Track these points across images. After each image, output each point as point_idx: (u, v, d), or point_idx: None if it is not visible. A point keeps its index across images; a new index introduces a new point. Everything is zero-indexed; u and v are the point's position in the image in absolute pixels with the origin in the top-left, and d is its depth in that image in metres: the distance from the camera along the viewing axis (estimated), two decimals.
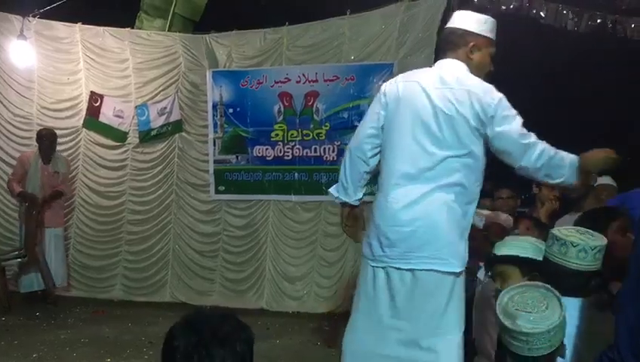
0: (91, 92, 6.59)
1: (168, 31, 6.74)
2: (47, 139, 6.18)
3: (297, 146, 6.08)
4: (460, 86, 2.61)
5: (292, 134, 6.09)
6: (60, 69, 6.67)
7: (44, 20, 6.61)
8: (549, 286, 2.05)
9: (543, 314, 1.94)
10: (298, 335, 5.24)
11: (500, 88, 2.60)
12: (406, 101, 2.67)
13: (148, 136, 6.54)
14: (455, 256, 2.57)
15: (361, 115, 4.84)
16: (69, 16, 6.59)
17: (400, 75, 2.86)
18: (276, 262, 6.21)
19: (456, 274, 2.58)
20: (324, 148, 6.01)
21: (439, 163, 2.58)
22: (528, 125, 2.58)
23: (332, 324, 5.20)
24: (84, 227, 6.68)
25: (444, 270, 2.55)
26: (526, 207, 5.03)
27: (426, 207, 2.57)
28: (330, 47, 6.03)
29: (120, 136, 6.62)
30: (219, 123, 6.29)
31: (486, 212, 3.82)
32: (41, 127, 6.41)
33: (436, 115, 2.59)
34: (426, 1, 5.67)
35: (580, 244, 2.23)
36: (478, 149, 2.61)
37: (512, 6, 4.89)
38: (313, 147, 6.03)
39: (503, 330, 1.98)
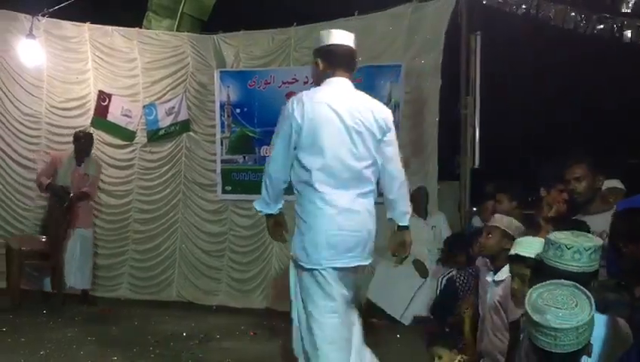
0: (99, 91, 6.61)
1: (176, 31, 6.78)
2: (85, 141, 6.20)
3: None
4: (363, 105, 3.05)
5: None
6: (68, 68, 6.70)
7: (53, 20, 6.64)
8: (578, 284, 2.05)
9: (573, 311, 1.96)
10: None
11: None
12: (318, 122, 2.98)
13: (156, 136, 6.57)
14: (372, 251, 3.13)
15: None
16: (78, 16, 6.63)
17: (303, 95, 3.11)
18: (282, 262, 6.20)
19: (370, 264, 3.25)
20: None
21: (358, 174, 3.01)
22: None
23: None
24: None
25: (366, 263, 3.13)
26: (531, 209, 4.99)
27: (353, 214, 3.00)
28: None
29: (128, 136, 6.65)
30: (226, 123, 6.31)
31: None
32: (50, 125, 6.54)
33: (349, 133, 2.98)
34: (434, 3, 5.67)
35: (574, 246, 2.25)
36: (379, 158, 3.08)
37: (520, 8, 4.88)
38: None
39: (531, 325, 1.99)
